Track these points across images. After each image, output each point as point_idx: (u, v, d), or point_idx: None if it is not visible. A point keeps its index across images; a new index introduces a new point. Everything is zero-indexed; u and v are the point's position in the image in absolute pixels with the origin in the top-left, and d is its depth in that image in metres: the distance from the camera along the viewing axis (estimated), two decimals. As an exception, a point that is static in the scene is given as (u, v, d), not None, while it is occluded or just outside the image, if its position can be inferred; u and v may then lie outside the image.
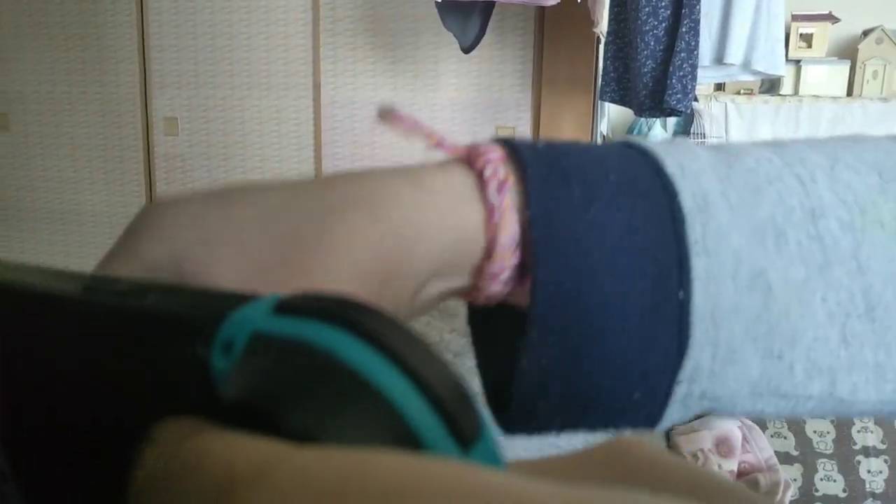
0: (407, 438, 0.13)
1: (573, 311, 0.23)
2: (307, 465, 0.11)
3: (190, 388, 0.14)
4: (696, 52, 1.88)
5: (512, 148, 0.25)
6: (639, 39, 1.92)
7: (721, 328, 0.25)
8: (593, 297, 0.23)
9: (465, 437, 0.13)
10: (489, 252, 0.24)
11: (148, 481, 0.12)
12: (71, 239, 3.04)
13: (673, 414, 0.26)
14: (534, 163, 0.25)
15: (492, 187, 0.24)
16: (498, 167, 0.25)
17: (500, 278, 0.25)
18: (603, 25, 2.14)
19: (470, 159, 0.25)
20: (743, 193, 0.26)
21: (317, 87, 2.69)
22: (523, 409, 0.24)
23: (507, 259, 0.24)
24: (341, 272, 0.21)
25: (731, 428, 1.24)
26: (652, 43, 1.91)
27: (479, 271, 0.25)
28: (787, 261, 0.26)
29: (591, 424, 0.26)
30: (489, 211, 0.24)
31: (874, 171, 0.29)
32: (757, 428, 1.26)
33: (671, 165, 0.26)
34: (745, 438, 1.24)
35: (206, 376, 0.14)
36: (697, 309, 0.25)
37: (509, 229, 0.24)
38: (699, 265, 0.25)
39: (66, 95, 2.95)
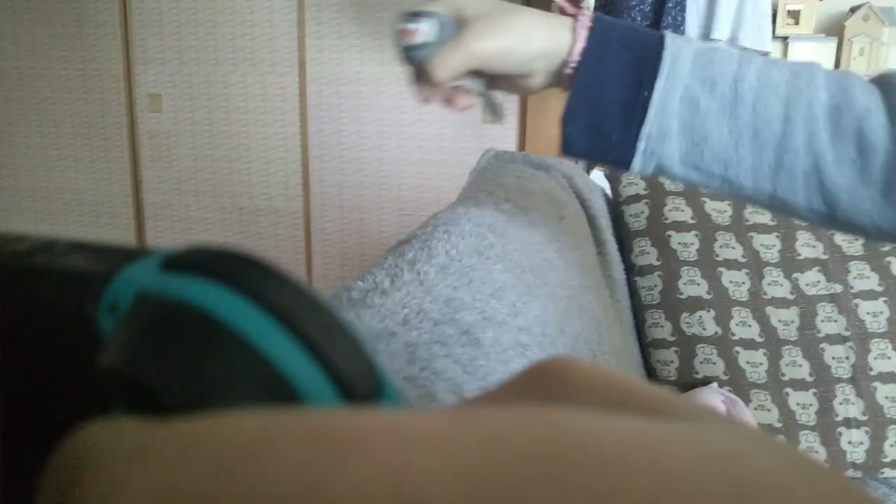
0: (290, 400, 0.12)
1: (590, 89, 0.55)
2: (154, 434, 0.10)
3: (85, 351, 0.13)
4: (682, 28, 1.87)
5: (597, 18, 0.56)
6: (625, 15, 1.91)
7: (664, 118, 0.54)
8: (601, 91, 0.55)
9: (358, 397, 0.13)
10: (569, 52, 0.55)
11: (46, 476, 0.12)
12: (56, 218, 3.02)
13: (637, 162, 0.56)
14: (600, 26, 0.55)
15: (578, 28, 0.55)
16: (585, 22, 0.55)
17: (570, 66, 0.56)
18: (589, 1, 2.12)
19: (576, 17, 0.56)
20: (703, 61, 0.55)
21: (302, 64, 2.66)
22: (568, 134, 0.57)
23: (574, 56, 0.55)
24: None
25: (715, 402, 1.25)
26: (638, 18, 1.90)
27: (563, 63, 0.56)
28: (712, 97, 0.54)
29: (598, 151, 0.57)
30: (574, 36, 0.55)
31: (789, 70, 0.54)
32: (741, 402, 1.27)
33: (670, 43, 0.56)
34: (728, 412, 1.25)
35: (97, 338, 0.13)
36: (654, 103, 0.54)
37: (579, 45, 0.55)
38: (660, 85, 0.54)
39: (48, 72, 2.90)
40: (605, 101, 0.55)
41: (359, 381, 0.12)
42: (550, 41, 0.55)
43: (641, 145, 0.55)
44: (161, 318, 0.12)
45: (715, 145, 0.54)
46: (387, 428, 0.10)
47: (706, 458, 0.10)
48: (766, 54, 2.70)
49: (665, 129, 0.54)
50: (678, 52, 0.54)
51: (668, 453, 0.10)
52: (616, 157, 0.56)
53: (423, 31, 0.55)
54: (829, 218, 0.55)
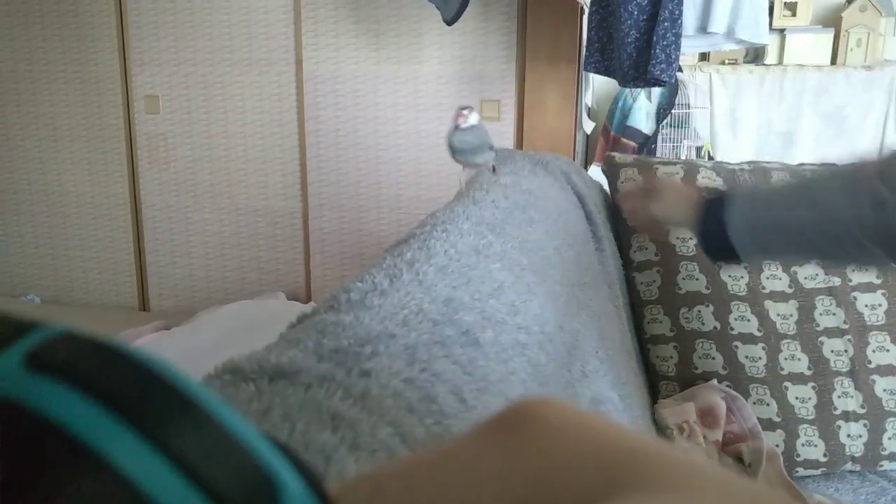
0: None
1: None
2: None
3: None
4: (679, 22, 1.87)
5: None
6: (622, 9, 1.90)
7: (738, 236, 0.95)
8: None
9: None
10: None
11: None
12: (54, 220, 3.02)
13: (741, 256, 0.96)
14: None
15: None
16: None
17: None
18: (586, -4, 2.12)
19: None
20: (754, 198, 0.98)
21: (299, 63, 2.66)
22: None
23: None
24: None
25: (716, 399, 1.25)
26: (635, 12, 1.90)
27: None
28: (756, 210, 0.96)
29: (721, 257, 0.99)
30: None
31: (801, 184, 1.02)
32: (741, 398, 1.27)
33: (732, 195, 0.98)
34: (729, 409, 1.25)
35: None
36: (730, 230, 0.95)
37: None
38: (727, 220, 0.95)
39: (45, 74, 2.90)
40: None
41: (245, 496, 0.12)
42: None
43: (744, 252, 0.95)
44: (22, 440, 0.11)
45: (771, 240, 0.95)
46: None
47: None
48: (763, 46, 2.71)
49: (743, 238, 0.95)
50: (733, 198, 0.96)
51: None
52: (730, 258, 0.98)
53: None
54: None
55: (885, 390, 1.28)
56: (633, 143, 2.73)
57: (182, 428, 0.12)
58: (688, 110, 2.78)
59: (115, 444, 0.11)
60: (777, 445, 1.26)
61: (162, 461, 0.11)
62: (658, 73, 1.85)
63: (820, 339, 1.31)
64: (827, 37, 2.90)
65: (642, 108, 2.72)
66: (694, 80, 2.84)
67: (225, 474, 0.12)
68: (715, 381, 1.29)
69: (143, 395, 0.12)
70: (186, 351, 1.94)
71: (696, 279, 1.35)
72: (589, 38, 2.09)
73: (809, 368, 1.30)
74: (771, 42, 2.80)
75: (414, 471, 0.14)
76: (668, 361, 1.34)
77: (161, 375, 0.12)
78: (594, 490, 0.12)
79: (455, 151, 0.92)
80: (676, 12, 1.87)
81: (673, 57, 1.87)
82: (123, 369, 0.12)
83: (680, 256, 1.37)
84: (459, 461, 0.14)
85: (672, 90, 2.70)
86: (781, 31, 2.91)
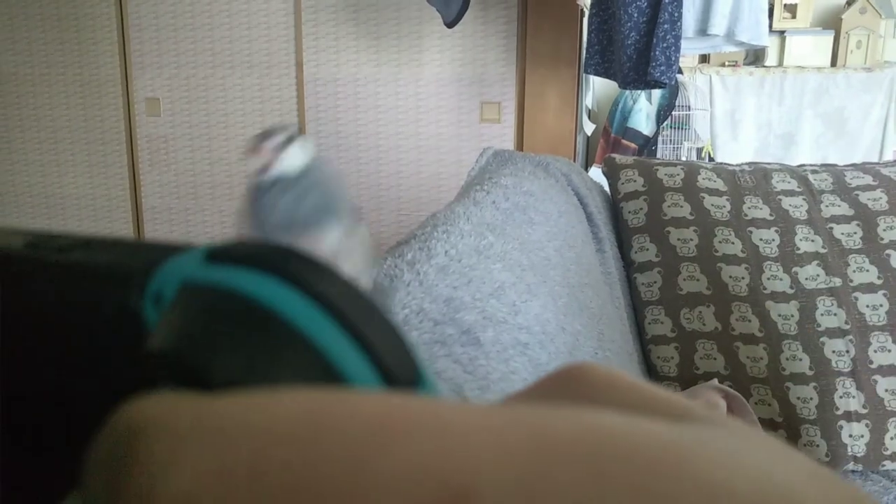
0: (335, 385, 0.12)
1: None
2: (209, 409, 0.11)
3: (127, 342, 0.14)
4: (679, 24, 1.87)
5: None
6: (622, 11, 1.91)
7: None
8: None
9: (399, 384, 0.13)
10: None
11: (93, 450, 0.12)
12: (55, 223, 3.02)
13: None
14: None
15: None
16: None
17: None
18: (586, -2, 2.12)
19: None
20: None
21: (299, 66, 2.66)
22: None
23: None
24: None
25: (717, 399, 1.25)
26: (635, 15, 1.90)
27: None
28: None
29: None
30: None
31: None
32: (741, 397, 1.27)
33: None
34: (730, 409, 1.25)
35: (141, 329, 0.14)
36: None
37: None
38: None
39: (45, 77, 2.90)
40: None
41: (400, 369, 0.13)
42: None
43: None
44: (208, 305, 0.13)
45: None
46: (433, 415, 0.10)
47: (737, 466, 0.10)
48: (763, 48, 2.71)
49: None
50: None
51: (700, 457, 0.10)
52: None
53: None
54: None
55: (886, 390, 1.28)
56: (633, 145, 2.73)
57: (354, 305, 0.13)
58: (688, 112, 2.78)
59: (299, 313, 0.12)
60: (778, 446, 1.26)
61: (339, 330, 0.12)
62: (658, 75, 1.86)
63: (821, 339, 1.31)
64: (827, 39, 2.90)
65: (642, 110, 2.72)
66: (694, 81, 2.84)
67: (386, 347, 0.13)
68: (716, 381, 1.29)
69: (313, 273, 0.13)
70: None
71: (697, 280, 1.35)
72: (589, 41, 2.09)
73: (811, 369, 1.29)
74: (771, 44, 2.81)
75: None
76: (669, 362, 1.34)
77: (324, 263, 0.13)
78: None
79: (263, 228, 0.44)
80: (676, 14, 1.87)
81: (673, 59, 1.87)
82: (293, 256, 0.13)
83: (681, 257, 1.37)
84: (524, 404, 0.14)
85: (672, 92, 2.70)
86: (781, 32, 2.91)
